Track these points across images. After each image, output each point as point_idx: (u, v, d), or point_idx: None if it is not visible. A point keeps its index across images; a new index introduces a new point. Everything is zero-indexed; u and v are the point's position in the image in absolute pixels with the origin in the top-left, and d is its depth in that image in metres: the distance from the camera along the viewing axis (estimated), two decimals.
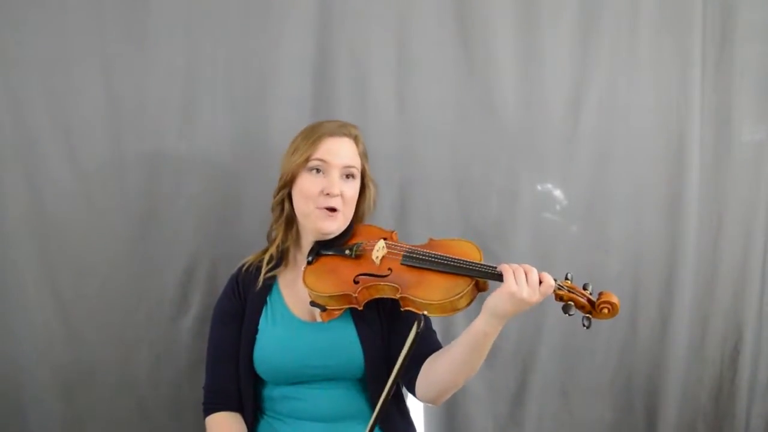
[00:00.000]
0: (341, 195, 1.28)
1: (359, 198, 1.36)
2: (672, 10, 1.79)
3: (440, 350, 1.26)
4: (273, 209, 1.37)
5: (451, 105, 1.72)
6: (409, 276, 1.21)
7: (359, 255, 1.29)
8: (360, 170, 1.33)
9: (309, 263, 1.31)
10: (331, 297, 1.24)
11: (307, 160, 1.29)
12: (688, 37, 1.80)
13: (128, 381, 1.62)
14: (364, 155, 1.35)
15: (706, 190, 1.87)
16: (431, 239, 1.31)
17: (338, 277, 1.26)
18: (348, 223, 1.34)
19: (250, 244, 1.63)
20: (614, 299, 1.12)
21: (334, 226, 1.30)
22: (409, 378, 1.28)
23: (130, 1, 1.52)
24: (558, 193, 1.80)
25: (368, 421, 1.31)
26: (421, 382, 1.25)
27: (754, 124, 1.88)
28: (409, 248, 1.26)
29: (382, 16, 1.65)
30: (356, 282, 1.24)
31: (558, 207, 1.80)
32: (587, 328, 1.12)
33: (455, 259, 1.19)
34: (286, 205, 1.35)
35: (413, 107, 1.69)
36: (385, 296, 1.23)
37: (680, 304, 1.88)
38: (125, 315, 1.61)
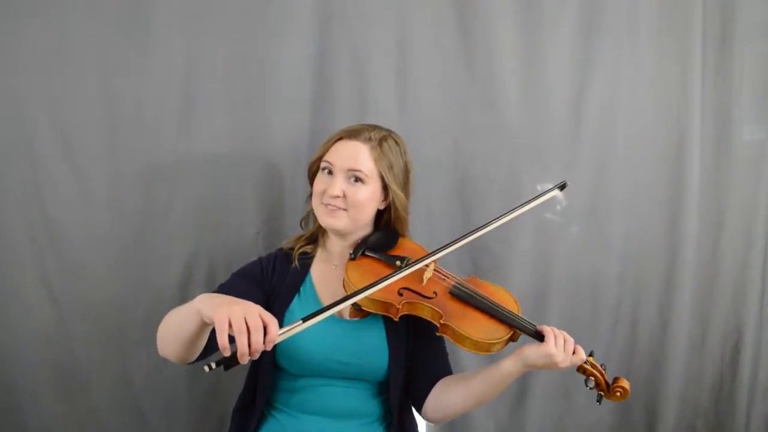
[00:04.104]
0: (345, 196, 1.29)
1: (385, 205, 1.36)
2: (672, 10, 1.80)
3: (455, 377, 1.33)
4: (307, 200, 1.41)
5: (452, 105, 1.71)
6: (453, 306, 1.25)
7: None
8: (371, 175, 1.30)
9: (351, 259, 1.31)
10: (372, 300, 1.24)
11: (319, 160, 1.33)
12: (688, 37, 1.81)
13: (126, 382, 1.61)
14: (382, 161, 1.30)
15: (706, 190, 1.88)
16: (472, 276, 1.36)
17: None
18: (357, 225, 1.33)
19: (250, 244, 1.63)
20: (626, 385, 1.23)
21: (338, 223, 1.31)
22: (418, 396, 1.32)
23: (129, 1, 1.51)
24: (558, 192, 1.79)
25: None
26: (431, 403, 1.31)
27: (754, 124, 1.89)
28: (457, 280, 1.30)
29: (383, 16, 1.64)
30: (400, 294, 1.25)
31: (559, 207, 1.80)
32: (599, 403, 1.26)
33: (503, 306, 1.26)
34: None
35: (414, 107, 1.69)
36: (422, 317, 1.25)
37: (680, 304, 1.88)
38: (123, 316, 1.59)
